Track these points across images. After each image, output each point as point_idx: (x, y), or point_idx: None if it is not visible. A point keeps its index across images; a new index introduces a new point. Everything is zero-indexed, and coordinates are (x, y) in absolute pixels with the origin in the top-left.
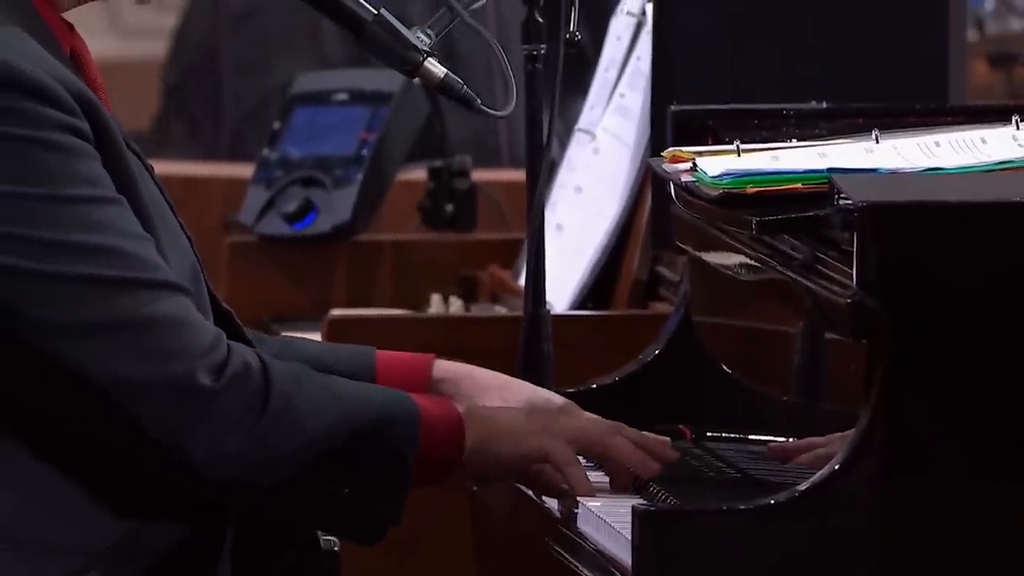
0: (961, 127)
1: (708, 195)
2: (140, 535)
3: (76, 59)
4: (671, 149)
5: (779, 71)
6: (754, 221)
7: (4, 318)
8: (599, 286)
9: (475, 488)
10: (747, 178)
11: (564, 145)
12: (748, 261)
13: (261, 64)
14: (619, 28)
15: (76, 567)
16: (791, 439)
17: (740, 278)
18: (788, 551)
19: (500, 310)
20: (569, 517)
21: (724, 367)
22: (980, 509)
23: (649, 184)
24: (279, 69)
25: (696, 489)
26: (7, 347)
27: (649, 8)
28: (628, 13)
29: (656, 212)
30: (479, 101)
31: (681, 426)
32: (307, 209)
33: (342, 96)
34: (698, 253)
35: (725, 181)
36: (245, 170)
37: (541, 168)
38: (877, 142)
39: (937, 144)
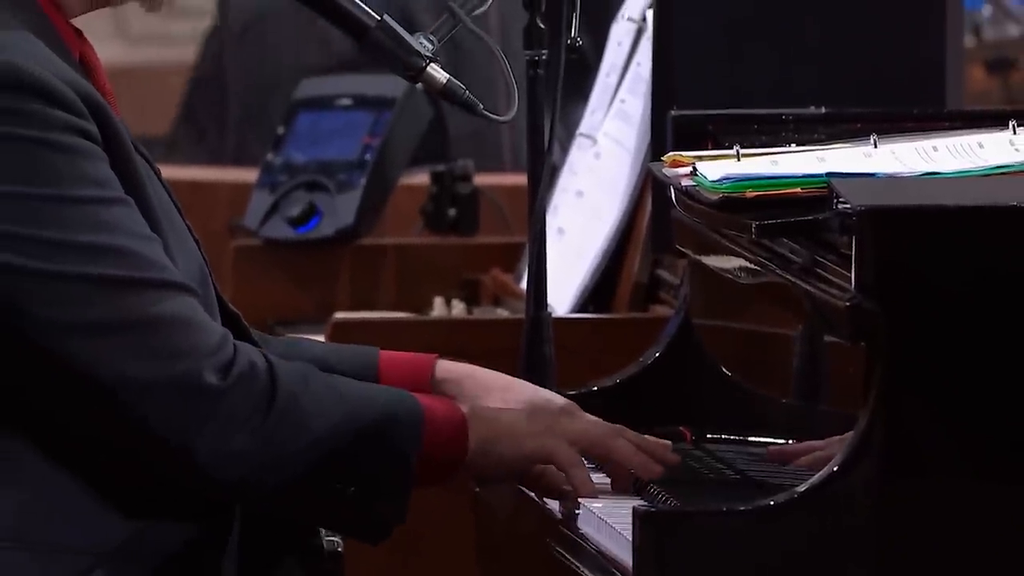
0: (958, 132)
1: (708, 199)
2: (147, 535)
3: (85, 65)
4: (671, 154)
5: (778, 76)
6: (753, 225)
7: (12, 318)
8: (600, 289)
9: (477, 489)
10: (747, 182)
11: (565, 150)
12: (747, 264)
13: (269, 71)
14: (620, 34)
15: (83, 566)
16: (790, 441)
17: (740, 281)
18: (787, 552)
19: (502, 313)
20: (570, 518)
21: (724, 369)
22: (978, 510)
23: (649, 188)
24: (287, 74)
25: (696, 490)
26: (15, 346)
27: (649, 14)
28: (629, 19)
29: (656, 216)
30: (481, 106)
31: (681, 428)
32: (311, 213)
33: (345, 101)
34: (698, 257)
35: (725, 185)
36: (250, 175)
37: (543, 172)
38: (875, 147)
39: (935, 149)
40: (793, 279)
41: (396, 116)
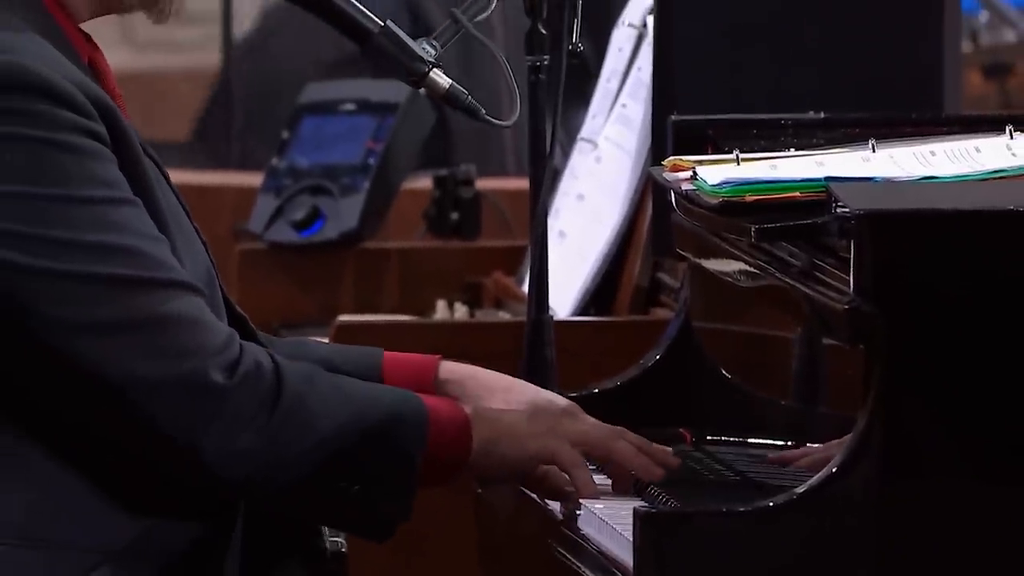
0: (956, 136)
1: (708, 203)
2: (152, 534)
3: (95, 69)
4: (672, 158)
5: (777, 82)
6: (753, 229)
7: (21, 317)
8: (601, 292)
9: (479, 490)
10: (746, 186)
11: (567, 154)
12: (747, 268)
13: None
14: (621, 39)
15: (89, 565)
16: (790, 442)
17: (739, 284)
18: (786, 552)
19: (504, 316)
20: (571, 519)
21: (724, 372)
22: (976, 511)
23: (650, 192)
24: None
25: (696, 491)
26: (23, 346)
27: (650, 20)
28: (629, 25)
29: (657, 220)
30: (483, 111)
31: (681, 430)
32: (315, 217)
33: (349, 106)
34: (698, 260)
35: (725, 189)
36: (254, 179)
37: (544, 176)
38: (874, 151)
39: (932, 153)
40: (792, 282)
41: (399, 121)
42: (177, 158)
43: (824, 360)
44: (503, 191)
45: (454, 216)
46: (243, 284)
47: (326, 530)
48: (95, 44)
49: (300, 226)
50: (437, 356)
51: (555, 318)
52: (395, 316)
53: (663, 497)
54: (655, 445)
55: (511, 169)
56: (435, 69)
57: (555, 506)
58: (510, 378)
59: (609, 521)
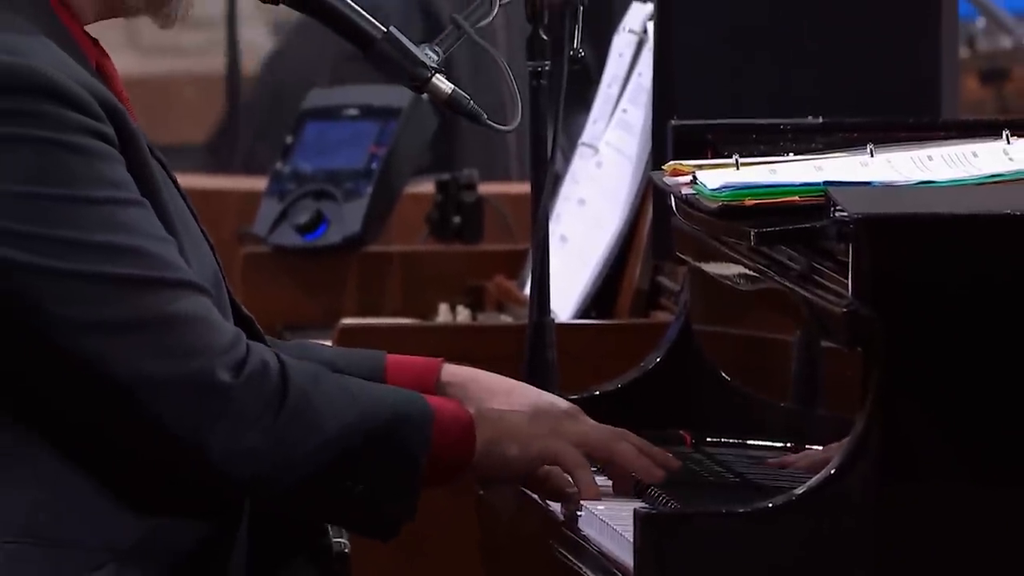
0: (953, 141)
1: (708, 207)
2: (158, 533)
3: (103, 73)
4: (672, 163)
5: (776, 87)
6: (752, 232)
7: (29, 316)
8: (602, 296)
9: (481, 492)
10: (746, 191)
11: (568, 159)
12: (747, 271)
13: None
14: (621, 45)
15: (96, 563)
16: (789, 445)
17: (739, 288)
18: (785, 553)
19: (506, 319)
20: (572, 520)
21: (723, 374)
22: (972, 513)
23: (650, 196)
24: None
25: (696, 493)
26: (31, 345)
27: (650, 26)
28: (630, 31)
29: (657, 224)
30: (485, 116)
31: (681, 431)
32: (318, 221)
33: (352, 111)
34: (698, 263)
35: (724, 194)
36: (258, 183)
37: (545, 181)
38: (872, 156)
39: (930, 158)
40: (791, 285)
41: (402, 126)
42: (182, 161)
43: (822, 363)
44: (505, 195)
45: (456, 220)
46: (247, 287)
47: (330, 530)
48: (102, 48)
49: (304, 230)
50: (439, 359)
51: (556, 321)
52: (398, 319)
53: (663, 498)
54: (656, 447)
55: (514, 174)
56: (437, 74)
57: (556, 507)
58: (512, 381)
59: (610, 522)
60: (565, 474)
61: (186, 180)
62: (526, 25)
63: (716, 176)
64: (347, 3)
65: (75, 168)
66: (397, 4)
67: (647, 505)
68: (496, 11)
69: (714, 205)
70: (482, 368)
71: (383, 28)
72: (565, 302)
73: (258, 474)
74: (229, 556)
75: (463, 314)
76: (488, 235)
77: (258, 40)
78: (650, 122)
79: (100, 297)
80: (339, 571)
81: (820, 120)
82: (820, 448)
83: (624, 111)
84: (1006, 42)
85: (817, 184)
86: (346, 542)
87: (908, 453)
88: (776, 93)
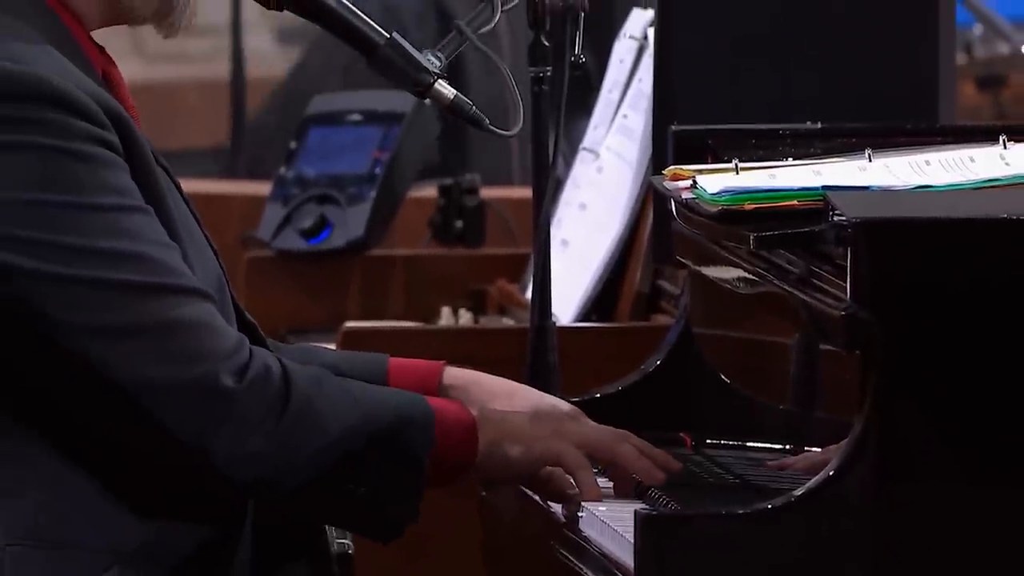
0: (950, 146)
1: (707, 211)
2: (162, 535)
3: (109, 81)
4: (672, 167)
5: (776, 93)
6: (752, 236)
7: (34, 322)
8: (603, 299)
9: (483, 493)
10: (745, 195)
11: (569, 164)
12: (746, 275)
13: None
14: (622, 51)
15: (101, 566)
16: (788, 447)
17: (738, 291)
18: (785, 554)
19: (508, 322)
20: (574, 521)
21: (723, 377)
22: (969, 514)
23: (651, 201)
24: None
25: (696, 494)
26: (36, 350)
27: (651, 32)
28: (630, 37)
29: (657, 228)
30: (487, 121)
31: (681, 434)
32: (322, 225)
33: (356, 117)
34: (698, 267)
35: (724, 198)
36: (262, 188)
37: (547, 186)
38: (870, 161)
39: (927, 163)
40: (790, 289)
41: (405, 131)
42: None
43: (821, 365)
44: (507, 200)
45: (459, 224)
46: (251, 291)
47: (333, 531)
48: (109, 56)
49: (308, 234)
50: (441, 362)
51: (558, 324)
52: (401, 322)
53: (664, 500)
54: (656, 449)
55: (517, 179)
56: (440, 80)
57: (558, 508)
58: (513, 383)
59: (611, 523)
60: (567, 475)
61: (191, 185)
62: (530, 31)
63: (716, 181)
64: (350, 9)
65: (80, 175)
66: (413, 5)
67: (648, 506)
68: (498, 17)
69: (714, 209)
70: (484, 371)
71: (386, 34)
72: (566, 305)
73: (262, 477)
74: (232, 558)
75: (465, 317)
76: (490, 239)
77: (263, 47)
78: (650, 127)
79: (104, 303)
80: (343, 572)
81: (819, 125)
82: (819, 450)
83: (625, 116)
84: (1003, 49)
85: (816, 188)
86: (350, 543)
87: (906, 455)
88: (775, 99)
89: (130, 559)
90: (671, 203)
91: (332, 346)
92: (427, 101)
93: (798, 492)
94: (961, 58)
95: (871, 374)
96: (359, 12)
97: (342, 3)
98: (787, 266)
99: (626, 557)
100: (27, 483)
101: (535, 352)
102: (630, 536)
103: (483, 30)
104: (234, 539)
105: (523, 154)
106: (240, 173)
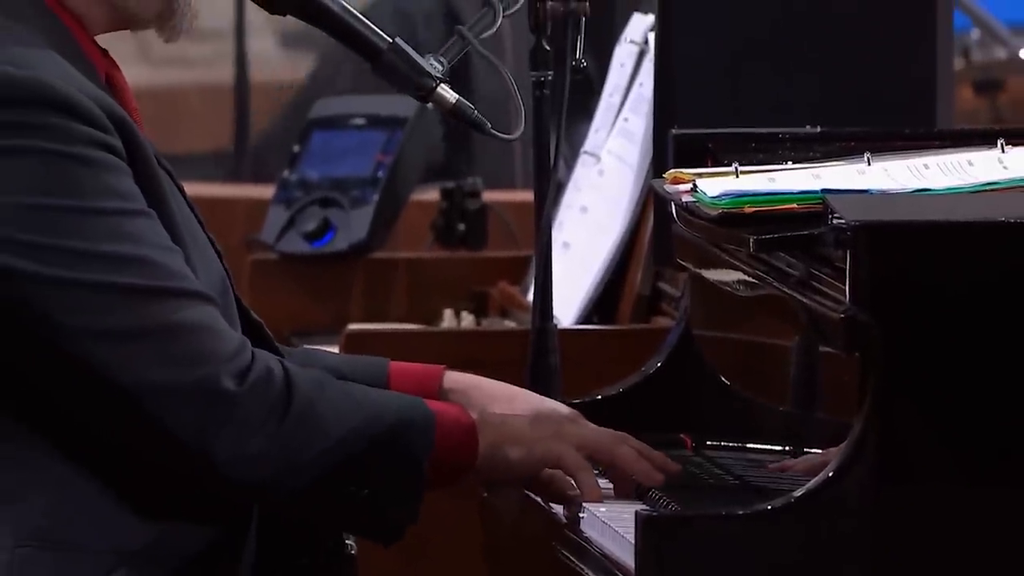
0: (948, 150)
1: (708, 215)
2: (167, 536)
3: (112, 85)
4: (672, 171)
5: (775, 97)
6: (751, 239)
7: (37, 325)
8: (604, 301)
9: (485, 494)
10: (745, 198)
11: (570, 167)
12: (746, 278)
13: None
14: (623, 56)
15: (105, 567)
16: (787, 448)
17: (738, 294)
18: (784, 555)
19: (509, 324)
20: (575, 522)
21: (723, 379)
22: (968, 516)
23: (651, 204)
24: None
25: (696, 495)
26: (40, 354)
27: (651, 37)
28: (631, 41)
29: (658, 231)
30: (489, 125)
31: (682, 435)
32: (325, 228)
33: (359, 121)
34: (698, 270)
35: (724, 201)
36: (266, 191)
37: (548, 189)
38: (869, 164)
39: (926, 166)
40: (790, 292)
41: (407, 135)
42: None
43: (820, 368)
44: (509, 203)
45: (461, 227)
46: (255, 293)
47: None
48: (112, 59)
49: (311, 237)
50: (442, 367)
51: (559, 326)
52: (403, 325)
53: (664, 501)
54: (655, 451)
55: (520, 182)
56: (442, 84)
57: (559, 509)
58: (514, 388)
59: (612, 524)
60: (568, 477)
61: (195, 188)
62: (532, 35)
63: (716, 184)
64: (353, 14)
65: (82, 180)
66: (424, 7)
67: (648, 507)
68: (500, 22)
69: (714, 212)
70: (486, 372)
71: (388, 39)
72: (568, 308)
73: (263, 479)
74: (238, 559)
75: (467, 319)
76: (492, 242)
77: (266, 51)
78: (651, 131)
79: (107, 307)
80: (346, 573)
81: (818, 129)
82: (818, 451)
83: (625, 120)
84: (1000, 53)
85: (815, 192)
86: (353, 544)
87: (904, 456)
88: (775, 103)
89: (135, 560)
90: (671, 206)
91: (335, 348)
92: (429, 105)
93: (797, 493)
94: (959, 63)
95: (870, 376)
96: (362, 17)
97: (345, 8)
98: (787, 269)
99: (627, 558)
100: (33, 486)
101: (536, 354)
102: (631, 537)
103: (485, 35)
104: (239, 539)
105: (526, 157)
106: (244, 177)
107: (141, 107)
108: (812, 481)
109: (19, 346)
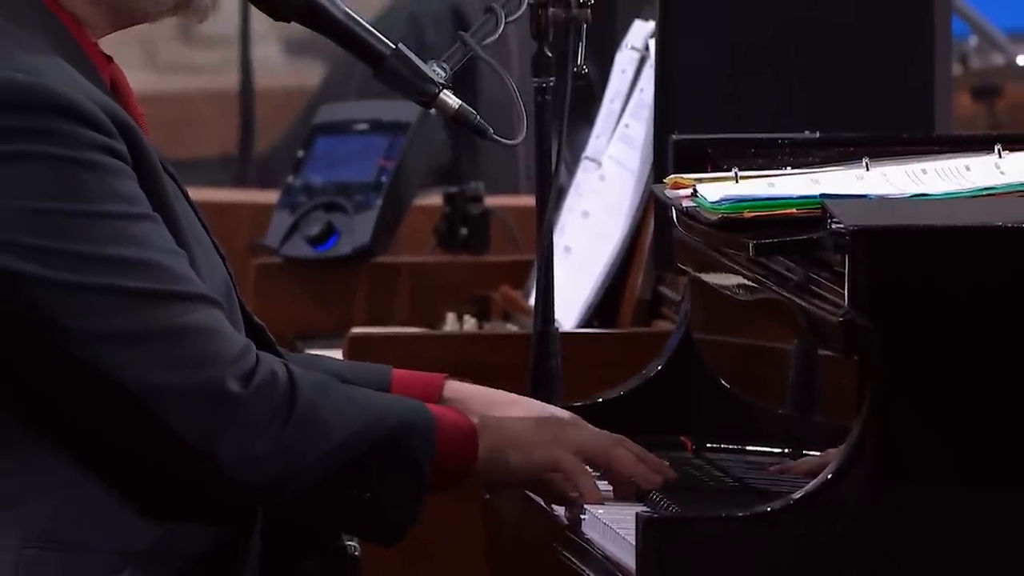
0: (946, 155)
1: (708, 219)
2: (173, 537)
3: (116, 89)
4: (673, 176)
5: (775, 103)
6: (751, 244)
7: (43, 329)
8: (605, 305)
9: (487, 496)
10: (744, 203)
11: (572, 172)
12: (745, 282)
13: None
14: (624, 62)
15: (113, 567)
16: (787, 451)
17: (738, 298)
18: (783, 556)
19: (511, 328)
20: (576, 523)
21: (723, 382)
22: (966, 517)
23: (652, 209)
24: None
25: (696, 497)
26: (46, 356)
27: (652, 43)
28: (632, 48)
29: (658, 235)
30: (491, 131)
31: (682, 437)
32: (329, 233)
33: (362, 126)
34: (698, 274)
35: (724, 206)
36: (271, 196)
37: (550, 194)
38: (867, 169)
39: (924, 171)
40: (789, 296)
41: (410, 140)
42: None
43: (819, 371)
44: (511, 207)
45: (463, 232)
46: (259, 297)
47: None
48: (116, 65)
49: (315, 241)
50: (443, 375)
51: (560, 330)
52: (406, 328)
53: (665, 503)
54: (652, 454)
55: (523, 187)
56: (445, 90)
57: (560, 511)
58: (514, 395)
59: (613, 526)
60: (569, 480)
61: (202, 193)
62: (529, 43)
63: (716, 189)
64: (357, 21)
65: (88, 184)
66: (432, 10)
67: (649, 509)
68: (502, 28)
69: (714, 217)
70: (488, 376)
71: (392, 45)
72: (569, 311)
73: (267, 481)
74: (243, 560)
75: (470, 323)
76: (494, 246)
77: (271, 58)
78: (651, 136)
79: (112, 310)
80: (350, 574)
81: (817, 135)
82: (817, 454)
83: (626, 126)
84: (998, 60)
85: (814, 197)
86: (356, 545)
87: (903, 458)
88: (774, 108)
89: (141, 561)
90: (672, 211)
91: (339, 352)
92: (432, 111)
93: (796, 495)
94: (957, 69)
95: (868, 379)
96: (366, 23)
97: (348, 15)
98: (786, 273)
99: (628, 559)
100: (40, 489)
101: (538, 357)
102: (632, 538)
103: (487, 41)
104: (244, 540)
105: (529, 162)
106: (250, 182)
107: (148, 113)
108: (811, 483)
109: (25, 349)
